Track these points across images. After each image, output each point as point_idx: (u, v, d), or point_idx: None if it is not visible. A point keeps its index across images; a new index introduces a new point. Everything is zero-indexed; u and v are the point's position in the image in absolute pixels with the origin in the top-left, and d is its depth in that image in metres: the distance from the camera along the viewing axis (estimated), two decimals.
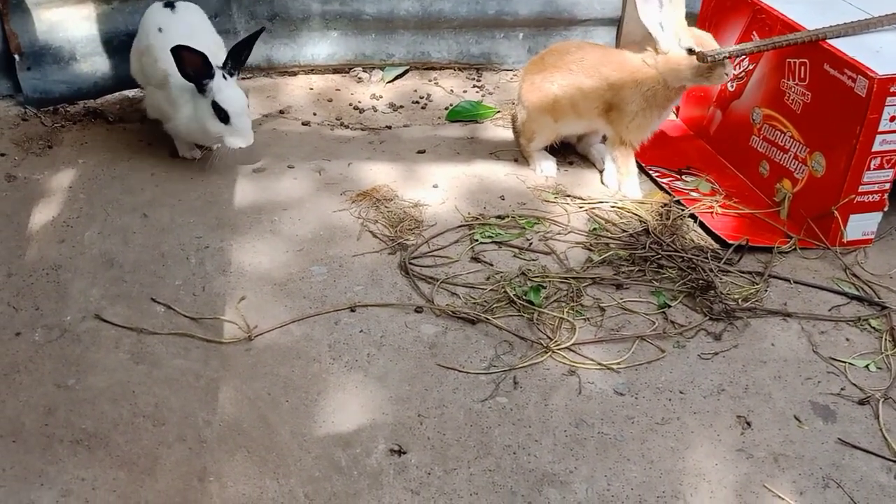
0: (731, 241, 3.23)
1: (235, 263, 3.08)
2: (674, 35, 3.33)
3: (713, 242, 3.29)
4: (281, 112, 4.14)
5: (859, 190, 3.16)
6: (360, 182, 3.58)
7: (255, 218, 3.33)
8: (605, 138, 3.65)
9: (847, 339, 2.87)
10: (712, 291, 2.99)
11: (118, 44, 3.97)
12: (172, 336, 2.75)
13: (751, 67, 3.57)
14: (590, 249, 3.22)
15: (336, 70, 4.50)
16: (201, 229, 3.25)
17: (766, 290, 3.06)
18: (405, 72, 4.51)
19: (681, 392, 2.64)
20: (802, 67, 3.28)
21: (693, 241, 3.27)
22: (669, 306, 2.96)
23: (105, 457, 2.34)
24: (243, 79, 4.30)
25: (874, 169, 3.13)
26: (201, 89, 3.38)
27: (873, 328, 2.92)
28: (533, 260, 3.16)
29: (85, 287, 2.94)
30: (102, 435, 2.40)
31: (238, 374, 2.63)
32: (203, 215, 3.33)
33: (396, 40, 4.47)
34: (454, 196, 3.52)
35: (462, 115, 4.14)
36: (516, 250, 3.22)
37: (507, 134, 3.99)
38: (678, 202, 3.47)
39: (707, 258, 3.15)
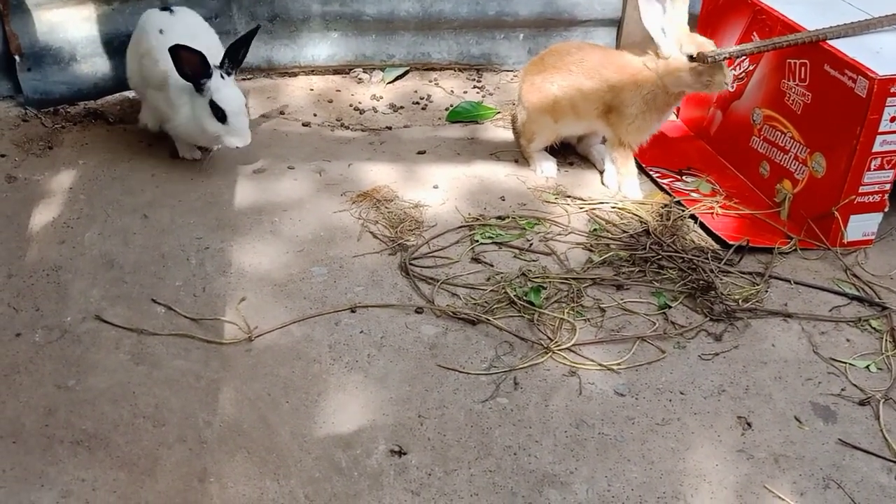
0: (731, 242, 3.23)
1: (236, 264, 3.08)
2: (676, 41, 3.32)
3: (713, 243, 3.29)
4: (281, 113, 4.14)
5: (860, 190, 3.16)
6: (360, 183, 3.58)
7: (255, 219, 3.33)
8: (605, 139, 3.65)
9: (847, 340, 2.87)
10: (713, 292, 2.99)
11: (118, 45, 3.97)
12: (173, 337, 2.75)
13: (751, 68, 3.57)
14: (590, 250, 3.22)
15: (336, 71, 4.50)
16: (202, 230, 3.25)
17: (766, 291, 3.06)
18: (405, 72, 4.51)
19: (681, 393, 2.64)
20: (803, 68, 3.28)
21: (693, 241, 3.27)
22: (670, 307, 2.96)
23: (105, 458, 2.34)
24: (243, 80, 4.31)
25: (874, 169, 3.13)
26: (199, 89, 3.38)
27: (874, 329, 2.92)
28: (533, 261, 3.16)
29: (85, 288, 2.94)
30: (103, 436, 2.40)
31: (238, 375, 2.63)
32: (203, 216, 3.33)
33: (397, 41, 4.47)
34: (454, 197, 3.52)
35: (462, 115, 4.14)
36: (517, 251, 3.22)
37: (508, 135, 3.99)
38: (678, 203, 3.47)
39: (707, 259, 3.15)
